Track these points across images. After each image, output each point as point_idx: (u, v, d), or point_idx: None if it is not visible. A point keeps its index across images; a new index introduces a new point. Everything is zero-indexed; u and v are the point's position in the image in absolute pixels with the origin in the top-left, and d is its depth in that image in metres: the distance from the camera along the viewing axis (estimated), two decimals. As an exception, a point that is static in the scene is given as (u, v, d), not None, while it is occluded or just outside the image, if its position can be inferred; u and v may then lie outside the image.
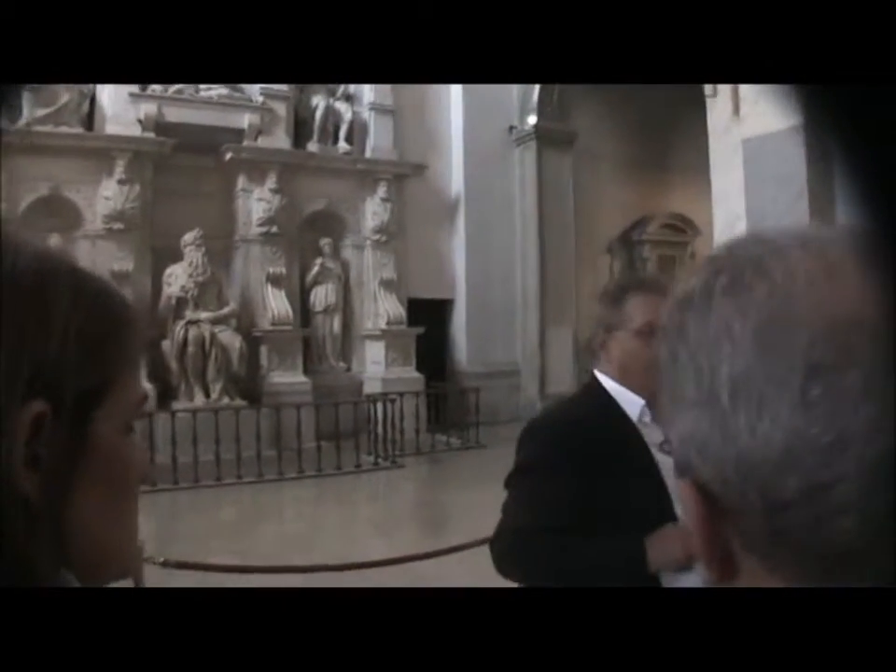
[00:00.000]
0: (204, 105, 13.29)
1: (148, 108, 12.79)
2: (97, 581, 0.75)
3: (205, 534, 7.79)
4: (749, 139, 9.45)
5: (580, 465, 1.99)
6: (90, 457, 0.71)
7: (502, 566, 2.10)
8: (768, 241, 0.56)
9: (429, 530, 8.03)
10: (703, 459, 0.55)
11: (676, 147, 17.61)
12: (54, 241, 11.78)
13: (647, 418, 2.12)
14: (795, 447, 0.49)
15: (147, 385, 9.23)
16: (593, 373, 2.25)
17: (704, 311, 0.56)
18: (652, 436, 2.05)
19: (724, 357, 0.53)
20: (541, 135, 16.13)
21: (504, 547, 2.10)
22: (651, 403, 2.10)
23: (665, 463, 1.98)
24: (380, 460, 11.61)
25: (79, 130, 12.52)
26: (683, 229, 18.22)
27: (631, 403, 2.13)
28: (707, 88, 10.15)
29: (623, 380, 2.15)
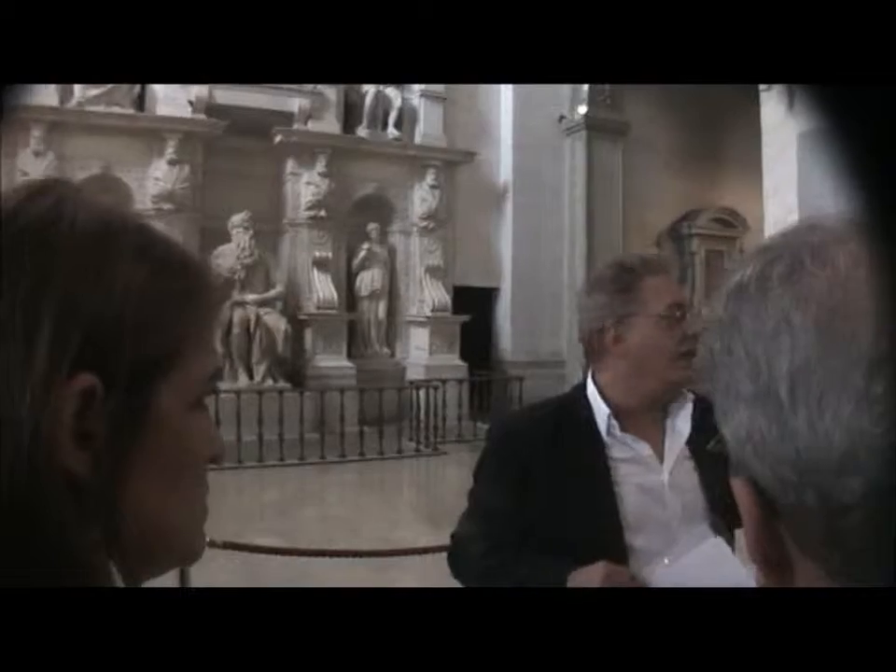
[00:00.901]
0: (255, 88, 13.34)
1: (199, 90, 12.88)
2: (153, 572, 0.69)
3: (249, 515, 7.83)
4: (804, 133, 9.35)
5: (524, 476, 1.83)
6: (151, 435, 0.64)
7: (449, 567, 1.99)
8: (827, 228, 0.53)
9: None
10: (759, 457, 0.52)
11: (728, 141, 17.46)
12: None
13: (616, 431, 1.87)
14: (857, 447, 0.46)
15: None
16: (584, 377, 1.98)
17: (760, 301, 0.53)
18: (620, 451, 1.86)
19: (783, 350, 0.50)
20: (592, 125, 16.04)
21: (449, 548, 2.01)
22: (627, 413, 1.88)
23: (629, 483, 1.84)
24: (422, 447, 11.63)
25: (131, 111, 12.66)
26: (733, 223, 18.05)
27: (599, 412, 1.88)
28: (763, 80, 10.02)
29: (628, 383, 1.87)
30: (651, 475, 1.86)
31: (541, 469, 1.83)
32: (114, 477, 0.62)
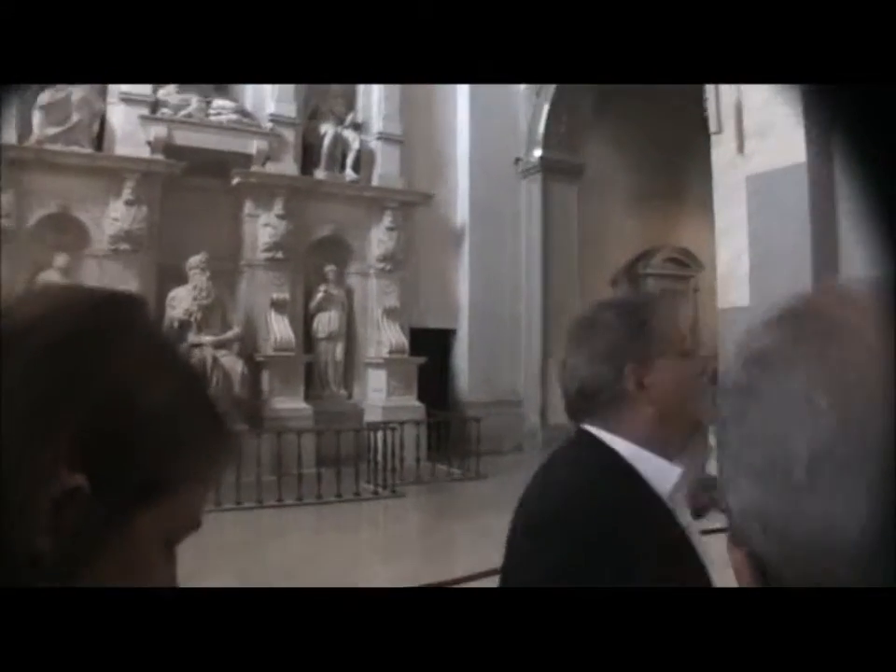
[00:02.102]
0: (214, 129, 13.36)
1: (158, 131, 12.86)
2: None
3: (203, 560, 7.73)
4: (753, 176, 9.53)
5: (622, 569, 1.39)
6: (116, 553, 0.66)
7: None
8: (856, 299, 0.51)
9: (429, 561, 7.98)
10: (766, 534, 0.51)
11: (681, 181, 17.73)
12: (61, 260, 11.85)
13: (682, 491, 1.60)
14: (869, 535, 0.45)
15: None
16: (594, 438, 1.62)
17: (783, 374, 0.51)
18: (682, 515, 1.61)
19: (804, 429, 0.48)
20: (547, 167, 16.20)
21: None
22: (684, 461, 1.61)
23: (695, 534, 1.62)
24: (380, 489, 11.55)
25: (90, 150, 12.57)
26: (687, 263, 18.29)
27: (662, 473, 1.57)
28: (713, 124, 10.24)
29: (660, 431, 1.59)
30: (687, 514, 1.65)
31: (636, 559, 1.42)
32: (71, 567, 0.63)
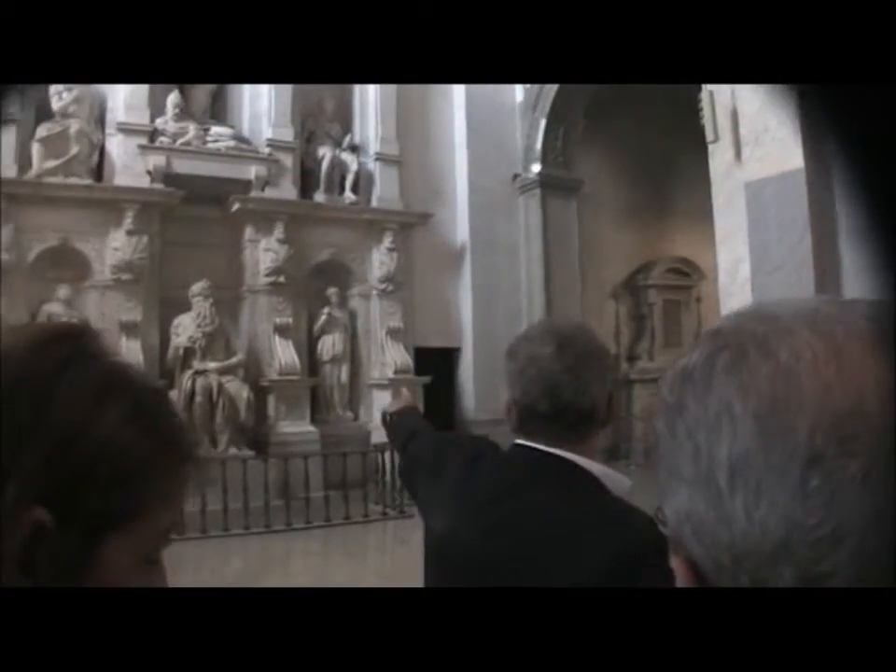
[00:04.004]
0: (212, 156, 13.40)
1: (157, 160, 12.92)
2: None
3: (213, 584, 7.70)
4: (751, 182, 9.51)
5: None
6: (93, 576, 0.67)
7: None
8: (774, 318, 0.55)
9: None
10: (697, 539, 0.54)
11: (679, 192, 17.74)
12: (63, 291, 11.88)
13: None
14: (792, 537, 0.48)
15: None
16: (555, 456, 1.62)
17: (704, 387, 0.54)
18: None
19: (723, 438, 0.51)
20: (545, 183, 16.21)
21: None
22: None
23: None
24: (388, 510, 11.52)
25: (89, 181, 12.62)
26: (688, 273, 18.26)
27: (619, 482, 1.62)
28: (709, 133, 10.24)
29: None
30: None
31: None
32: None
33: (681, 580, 0.56)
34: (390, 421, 2.47)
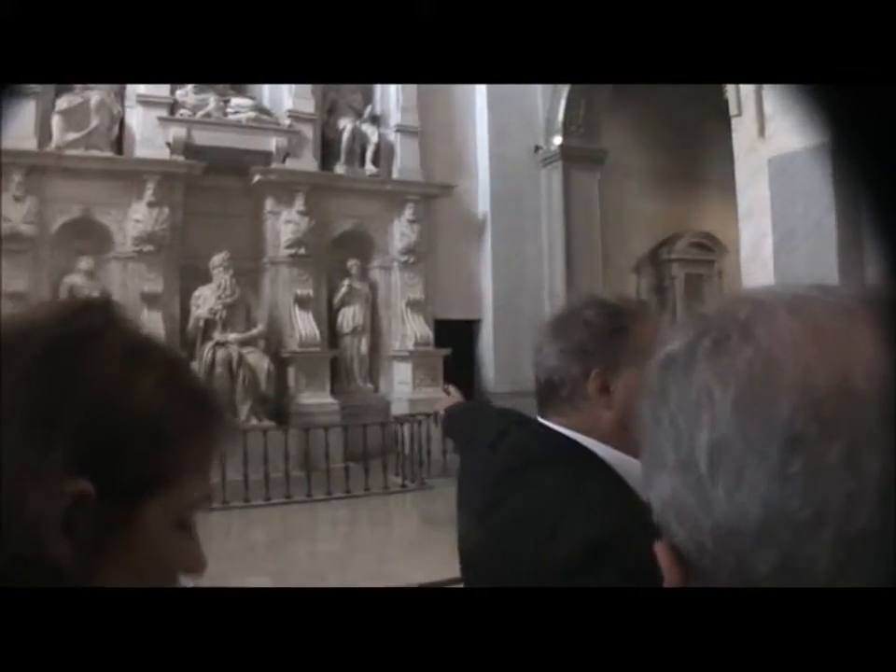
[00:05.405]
0: (232, 128, 13.40)
1: (177, 132, 12.92)
2: None
3: (238, 556, 7.79)
4: (775, 157, 9.45)
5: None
6: (133, 544, 0.69)
7: None
8: (757, 302, 0.55)
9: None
10: (680, 524, 0.54)
11: (704, 164, 17.60)
12: (85, 263, 11.96)
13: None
14: (773, 520, 0.48)
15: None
16: (563, 437, 1.59)
17: (686, 373, 0.55)
18: None
19: (704, 423, 0.52)
20: (567, 155, 16.10)
21: None
22: None
23: None
24: (407, 482, 11.58)
25: (109, 153, 12.67)
26: (710, 247, 18.15)
27: (627, 466, 1.51)
28: (733, 107, 10.17)
29: (623, 437, 1.52)
30: None
31: None
32: (92, 569, 0.66)
33: (665, 566, 0.56)
34: (445, 422, 2.47)
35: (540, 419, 1.67)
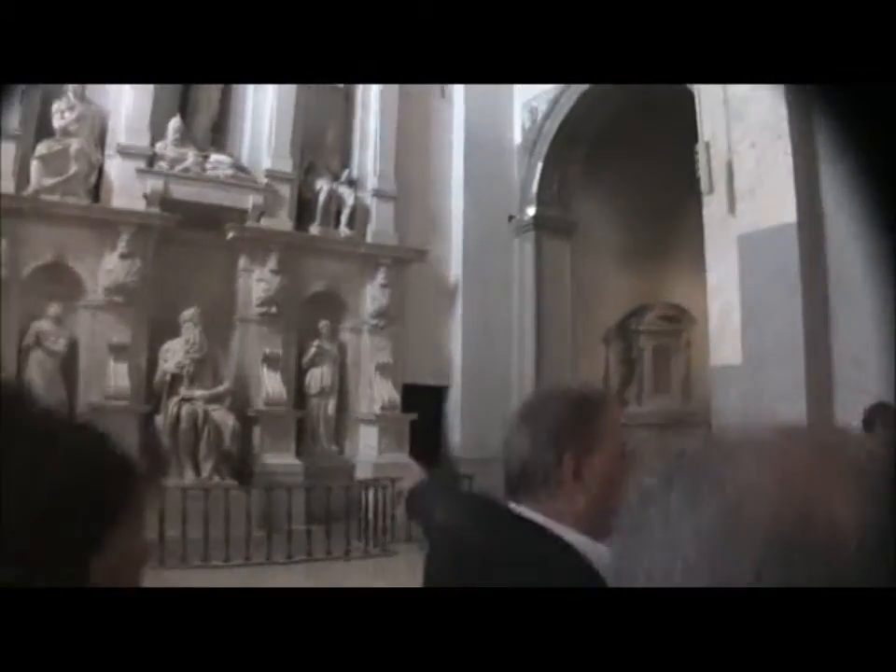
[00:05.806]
0: (210, 183, 13.43)
1: (155, 184, 12.94)
2: None
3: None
4: (745, 235, 9.64)
5: None
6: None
7: None
8: (725, 448, 0.58)
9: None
10: None
11: (673, 237, 17.84)
12: (54, 309, 11.86)
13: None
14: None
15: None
16: (530, 522, 1.65)
17: (662, 515, 0.57)
18: None
19: (676, 572, 0.54)
20: (540, 225, 16.29)
21: None
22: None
23: None
24: (370, 547, 11.43)
25: (86, 201, 12.63)
26: (679, 318, 18.31)
27: (591, 550, 1.58)
28: (704, 185, 10.37)
29: (594, 520, 1.60)
30: None
31: None
32: None
33: None
34: (409, 500, 2.49)
35: (512, 505, 1.72)
